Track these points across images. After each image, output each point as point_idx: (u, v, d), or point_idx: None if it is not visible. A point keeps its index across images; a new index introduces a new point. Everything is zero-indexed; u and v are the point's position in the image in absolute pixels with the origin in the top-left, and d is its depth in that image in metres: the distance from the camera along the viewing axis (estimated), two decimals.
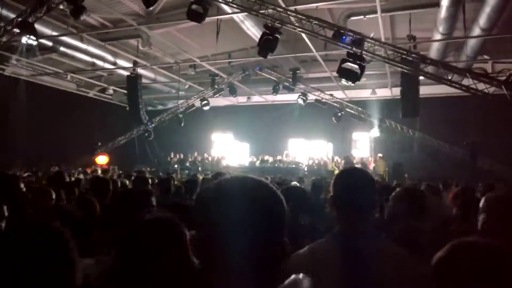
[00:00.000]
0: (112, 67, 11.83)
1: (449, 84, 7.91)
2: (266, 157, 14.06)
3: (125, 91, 12.82)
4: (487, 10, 7.07)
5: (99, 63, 11.43)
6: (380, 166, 12.17)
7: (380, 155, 12.50)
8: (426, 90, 10.80)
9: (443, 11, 7.36)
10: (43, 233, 0.83)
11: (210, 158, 14.75)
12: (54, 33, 9.16)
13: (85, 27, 9.66)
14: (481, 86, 7.42)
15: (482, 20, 7.42)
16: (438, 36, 8.35)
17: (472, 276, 0.81)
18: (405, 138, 12.13)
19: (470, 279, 0.80)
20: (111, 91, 14.99)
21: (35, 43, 7.83)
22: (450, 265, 0.85)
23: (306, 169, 13.16)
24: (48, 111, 12.22)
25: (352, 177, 1.31)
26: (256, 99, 15.28)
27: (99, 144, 13.90)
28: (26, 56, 9.79)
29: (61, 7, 7.86)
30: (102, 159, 13.32)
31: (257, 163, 13.81)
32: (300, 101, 12.73)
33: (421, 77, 9.24)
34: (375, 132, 12.50)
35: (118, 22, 9.38)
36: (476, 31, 7.84)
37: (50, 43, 9.65)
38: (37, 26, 7.92)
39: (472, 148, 10.61)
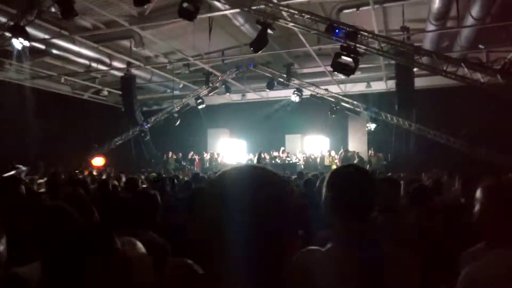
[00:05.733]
0: (106, 68, 11.77)
1: (444, 75, 7.88)
2: (263, 155, 14.06)
3: (120, 92, 12.77)
4: None
5: (93, 64, 11.37)
6: (376, 159, 12.24)
7: (371, 150, 12.61)
8: (422, 82, 10.77)
9: (436, 1, 7.32)
10: None
11: (208, 157, 14.75)
12: (46, 36, 9.09)
13: (77, 29, 9.58)
14: (476, 75, 7.41)
15: (475, 9, 7.38)
16: (431, 27, 8.32)
17: None
18: (402, 131, 12.12)
19: None
20: (105, 93, 14.93)
21: (27, 44, 7.75)
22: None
23: (303, 164, 13.18)
24: (43, 114, 12.15)
25: (351, 176, 1.19)
26: (251, 96, 15.23)
27: (95, 145, 13.85)
28: (19, 60, 9.74)
29: (53, 9, 7.80)
30: (98, 161, 13.28)
31: (255, 161, 13.81)
32: (295, 97, 12.69)
33: (416, 69, 9.22)
34: (372, 125, 12.51)
35: (111, 24, 9.31)
36: (470, 20, 7.81)
37: (42, 46, 9.58)
38: (29, 29, 7.86)
39: (469, 138, 10.63)
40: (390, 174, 7.66)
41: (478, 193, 1.31)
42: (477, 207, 1.30)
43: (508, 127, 9.62)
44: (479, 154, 10.40)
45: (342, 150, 13.15)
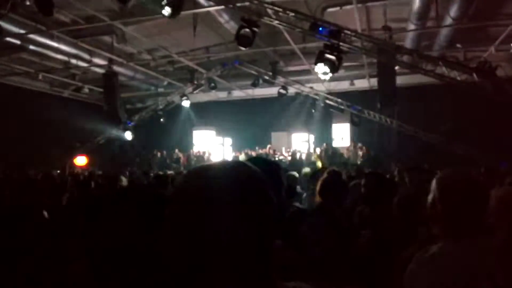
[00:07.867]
0: (85, 65, 11.43)
1: (423, 73, 8.13)
2: (250, 152, 14.08)
3: (102, 90, 12.45)
4: (457, 0, 7.28)
5: (72, 61, 11.02)
6: (354, 154, 12.59)
7: (350, 145, 12.90)
8: (403, 80, 11.04)
9: (416, 2, 7.52)
10: None
11: (193, 155, 14.63)
12: (22, 31, 8.73)
13: (55, 25, 9.25)
14: (453, 74, 7.67)
15: (453, 10, 7.64)
16: (412, 26, 8.54)
17: None
18: (383, 127, 12.42)
19: None
20: (86, 90, 14.51)
21: None
22: None
23: (288, 161, 13.29)
24: (21, 113, 11.72)
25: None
26: (237, 93, 15.19)
27: (78, 145, 13.49)
28: None
29: (28, 3, 7.48)
30: (81, 160, 12.94)
31: (241, 158, 13.81)
32: (281, 95, 12.77)
33: (397, 67, 9.44)
34: (354, 122, 12.78)
35: (91, 19, 9.04)
36: (448, 20, 8.07)
37: (18, 42, 9.20)
38: (3, 23, 7.52)
39: (448, 133, 11.03)
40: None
41: (433, 184, 1.32)
42: (430, 198, 1.31)
43: (483, 123, 10.05)
44: (457, 150, 10.78)
45: (324, 146, 13.32)
